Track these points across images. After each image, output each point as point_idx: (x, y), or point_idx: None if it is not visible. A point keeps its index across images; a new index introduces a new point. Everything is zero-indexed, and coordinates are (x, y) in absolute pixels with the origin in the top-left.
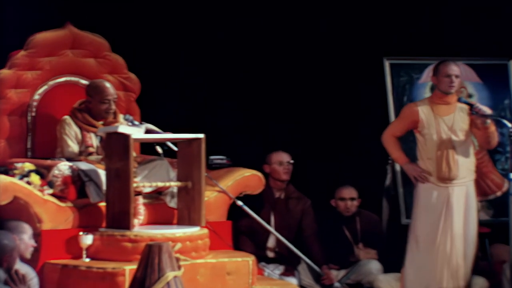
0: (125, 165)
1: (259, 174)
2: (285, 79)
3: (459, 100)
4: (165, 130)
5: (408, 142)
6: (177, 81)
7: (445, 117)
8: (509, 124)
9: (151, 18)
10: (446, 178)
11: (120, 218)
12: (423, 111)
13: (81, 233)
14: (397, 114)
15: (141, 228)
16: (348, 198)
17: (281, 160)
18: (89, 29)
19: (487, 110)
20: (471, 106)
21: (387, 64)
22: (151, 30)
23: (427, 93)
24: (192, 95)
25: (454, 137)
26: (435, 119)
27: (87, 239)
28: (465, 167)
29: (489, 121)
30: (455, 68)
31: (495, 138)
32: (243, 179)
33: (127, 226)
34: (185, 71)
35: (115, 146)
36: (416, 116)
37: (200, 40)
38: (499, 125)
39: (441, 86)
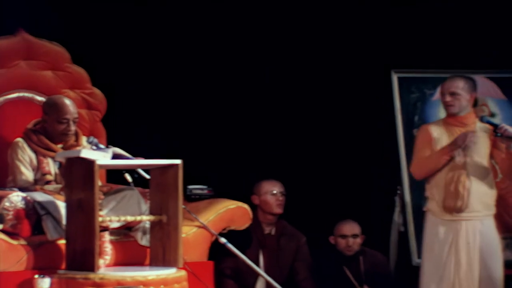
0: (88, 196)
1: (245, 206)
2: (278, 97)
3: (482, 119)
4: (136, 155)
5: None
6: (149, 98)
7: None
8: None
9: (119, 23)
10: (452, 208)
11: (83, 258)
12: (436, 131)
13: (36, 276)
14: (406, 135)
15: (107, 270)
16: (350, 234)
17: (273, 190)
18: (46, 37)
19: None
20: (495, 126)
21: (395, 78)
22: (119, 38)
23: (441, 112)
24: (167, 114)
25: (469, 162)
26: (449, 140)
27: (44, 283)
28: (479, 198)
29: None
30: (453, 84)
31: None
32: (227, 212)
33: (91, 267)
34: (159, 86)
35: (77, 173)
36: (429, 135)
37: (178, 49)
38: None
39: (443, 106)
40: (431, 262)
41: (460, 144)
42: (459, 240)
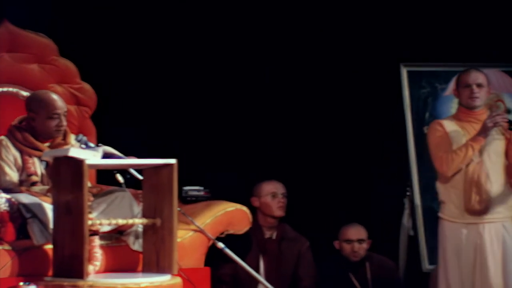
0: (77, 198)
1: (245, 209)
2: (278, 97)
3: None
4: (128, 154)
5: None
6: (143, 93)
7: None
8: None
9: (110, 13)
10: (476, 210)
11: (71, 264)
12: (449, 126)
13: (21, 283)
14: (416, 133)
15: (97, 277)
16: (356, 239)
17: (274, 192)
18: (31, 28)
19: None
20: (510, 122)
21: (404, 72)
22: (110, 29)
23: (454, 108)
24: (161, 111)
25: (487, 161)
26: (465, 137)
27: None
28: (499, 199)
29: None
30: (477, 76)
31: None
32: (225, 215)
33: (80, 274)
34: (153, 81)
35: (65, 174)
36: (444, 129)
37: (175, 44)
38: None
39: (462, 99)
40: (454, 270)
41: (490, 125)
42: (484, 243)
